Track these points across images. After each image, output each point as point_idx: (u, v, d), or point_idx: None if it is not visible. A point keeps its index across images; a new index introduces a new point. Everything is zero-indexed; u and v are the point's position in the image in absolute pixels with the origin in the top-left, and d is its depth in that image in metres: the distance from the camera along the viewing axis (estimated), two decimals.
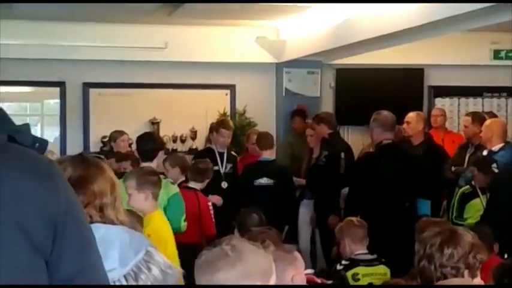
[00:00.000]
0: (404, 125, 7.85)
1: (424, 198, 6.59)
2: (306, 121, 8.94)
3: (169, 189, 5.63)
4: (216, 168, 7.39)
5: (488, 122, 7.11)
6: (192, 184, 6.56)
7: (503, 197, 5.46)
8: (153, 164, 5.71)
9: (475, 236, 3.17)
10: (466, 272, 3.04)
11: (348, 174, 7.45)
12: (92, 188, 2.38)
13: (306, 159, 8.07)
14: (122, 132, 8.33)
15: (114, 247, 2.29)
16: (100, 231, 2.31)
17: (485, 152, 6.76)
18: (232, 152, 7.86)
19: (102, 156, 6.56)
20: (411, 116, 7.84)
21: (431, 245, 3.08)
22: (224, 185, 7.40)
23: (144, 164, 5.73)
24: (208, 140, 8.47)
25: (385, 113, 6.27)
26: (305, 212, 7.90)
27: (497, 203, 5.53)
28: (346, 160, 7.51)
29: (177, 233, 5.66)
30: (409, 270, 4.19)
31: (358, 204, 6.06)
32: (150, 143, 5.82)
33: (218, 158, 7.46)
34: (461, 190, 6.55)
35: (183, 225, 5.61)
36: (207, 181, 6.66)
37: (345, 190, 6.98)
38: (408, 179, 6.07)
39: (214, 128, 7.73)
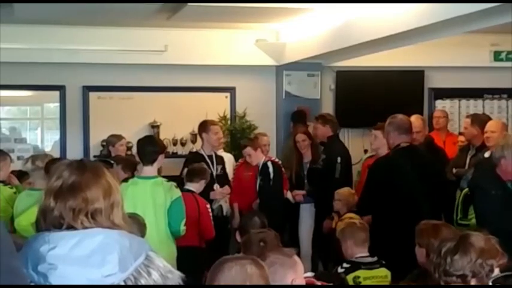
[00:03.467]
0: (414, 135, 7.82)
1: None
2: (308, 123, 8.98)
3: (173, 192, 5.63)
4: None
5: (492, 123, 7.10)
6: (188, 186, 6.56)
7: (478, 198, 5.46)
8: (153, 168, 5.71)
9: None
10: (473, 281, 2.91)
11: (344, 177, 7.47)
12: (83, 194, 2.37)
13: (295, 165, 8.04)
14: (119, 137, 8.34)
15: (113, 252, 2.28)
16: (99, 236, 2.31)
17: (487, 154, 6.74)
18: (219, 153, 7.83)
19: (112, 161, 6.54)
20: (417, 124, 7.83)
21: (439, 253, 3.00)
22: (216, 187, 7.40)
23: (144, 168, 5.73)
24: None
25: (401, 116, 6.27)
26: (305, 216, 7.89)
27: (474, 204, 5.54)
28: (342, 165, 7.51)
29: (176, 236, 5.70)
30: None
31: (371, 206, 6.09)
32: (150, 146, 5.82)
33: (209, 161, 7.45)
34: (464, 191, 6.52)
35: (183, 229, 5.62)
36: (203, 182, 6.66)
37: (339, 191, 6.99)
38: (426, 183, 6.03)
39: (202, 129, 7.66)
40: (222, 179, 7.53)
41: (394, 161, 6.13)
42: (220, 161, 7.64)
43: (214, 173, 7.44)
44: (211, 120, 7.92)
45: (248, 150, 7.54)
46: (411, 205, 5.87)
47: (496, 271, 2.95)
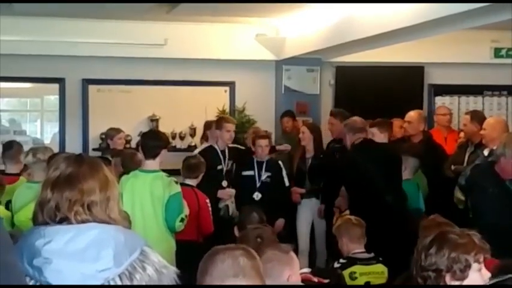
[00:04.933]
0: (405, 125, 7.87)
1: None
2: (296, 119, 9.03)
3: (172, 187, 5.62)
4: (219, 167, 7.38)
5: (492, 120, 7.08)
6: (187, 181, 6.56)
7: (476, 196, 5.47)
8: (155, 162, 5.70)
9: (471, 236, 3.01)
10: (448, 275, 2.91)
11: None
12: (79, 186, 2.38)
13: (297, 158, 7.99)
14: (118, 130, 8.35)
15: (108, 246, 2.28)
16: (94, 230, 2.32)
17: (486, 152, 6.73)
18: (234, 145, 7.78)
19: (110, 158, 6.54)
20: (412, 115, 7.85)
21: (417, 250, 3.02)
22: (224, 183, 7.39)
23: (146, 161, 5.72)
24: (205, 137, 8.38)
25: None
26: (304, 211, 7.87)
27: (472, 202, 5.55)
28: None
29: (172, 232, 5.69)
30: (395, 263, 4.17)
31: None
32: (153, 140, 5.80)
33: (221, 156, 7.44)
34: None
35: (178, 225, 5.60)
36: (201, 176, 6.66)
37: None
38: (387, 173, 6.27)
39: (217, 126, 7.66)
40: (231, 175, 7.51)
41: (351, 156, 6.55)
42: (233, 155, 7.59)
43: (224, 169, 7.42)
44: (227, 118, 7.83)
45: (268, 142, 7.55)
46: (373, 196, 6.15)
47: (475, 266, 2.93)
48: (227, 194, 7.30)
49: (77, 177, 2.40)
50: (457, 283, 2.92)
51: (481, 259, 2.94)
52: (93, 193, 2.39)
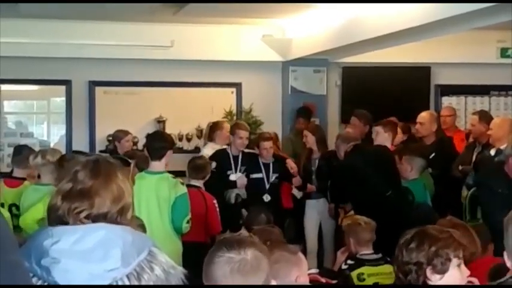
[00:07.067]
0: (417, 126, 7.83)
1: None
2: (310, 121, 8.98)
3: (178, 188, 5.62)
4: (229, 172, 7.37)
5: (498, 120, 7.07)
6: (193, 182, 6.55)
7: (484, 196, 5.46)
8: (161, 163, 5.70)
9: (450, 232, 3.09)
10: (428, 268, 2.98)
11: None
12: (91, 200, 2.37)
13: (303, 159, 7.97)
14: (126, 132, 8.36)
15: (116, 246, 2.28)
16: (102, 230, 2.32)
17: (492, 151, 6.72)
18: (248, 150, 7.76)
19: (130, 160, 6.53)
20: (424, 116, 7.82)
21: (398, 246, 3.09)
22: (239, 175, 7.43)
23: (152, 163, 5.72)
24: (208, 137, 8.33)
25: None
26: (312, 211, 7.88)
27: (481, 199, 5.55)
28: None
29: (178, 233, 5.69)
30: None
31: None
32: (158, 142, 5.81)
33: (232, 162, 7.43)
34: (470, 192, 6.49)
35: (185, 226, 5.60)
36: (207, 177, 6.66)
37: None
38: (382, 171, 6.36)
39: (231, 131, 7.65)
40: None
41: (344, 163, 6.74)
42: (247, 160, 7.53)
43: (234, 174, 7.40)
44: (240, 124, 7.78)
45: (272, 143, 7.56)
46: (374, 193, 6.24)
47: (455, 261, 3.00)
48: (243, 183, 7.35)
49: (89, 192, 2.38)
50: (437, 276, 2.99)
51: (461, 255, 3.02)
52: (103, 206, 2.38)
